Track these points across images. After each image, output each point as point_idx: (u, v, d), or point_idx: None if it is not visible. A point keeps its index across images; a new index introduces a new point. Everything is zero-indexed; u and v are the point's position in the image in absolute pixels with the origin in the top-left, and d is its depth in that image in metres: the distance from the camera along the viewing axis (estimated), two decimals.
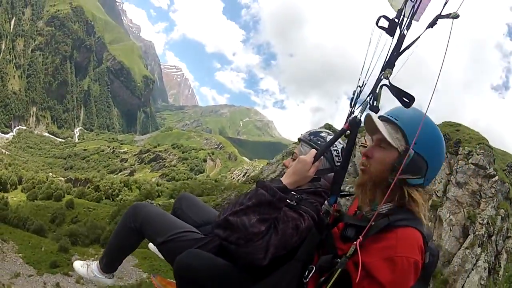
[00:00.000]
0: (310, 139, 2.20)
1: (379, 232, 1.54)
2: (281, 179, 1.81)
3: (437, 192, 23.23)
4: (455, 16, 1.62)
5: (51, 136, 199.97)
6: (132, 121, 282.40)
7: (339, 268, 1.49)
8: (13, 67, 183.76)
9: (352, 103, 2.01)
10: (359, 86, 1.97)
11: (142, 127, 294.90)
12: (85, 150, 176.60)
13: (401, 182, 1.60)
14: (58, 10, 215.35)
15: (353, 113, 1.93)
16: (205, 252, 1.94)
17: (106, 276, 2.60)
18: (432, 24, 1.69)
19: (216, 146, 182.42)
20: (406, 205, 1.61)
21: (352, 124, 1.76)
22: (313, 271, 1.63)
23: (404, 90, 1.65)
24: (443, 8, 1.66)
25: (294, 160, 2.13)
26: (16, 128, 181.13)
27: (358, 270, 1.45)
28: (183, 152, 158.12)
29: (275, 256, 1.68)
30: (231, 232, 1.65)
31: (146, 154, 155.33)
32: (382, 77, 1.70)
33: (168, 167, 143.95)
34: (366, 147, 1.78)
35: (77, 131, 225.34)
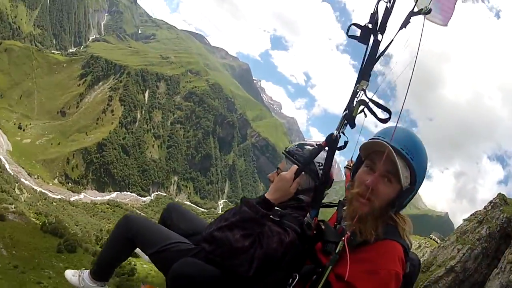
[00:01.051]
0: (293, 153, 2.26)
1: (360, 245, 1.56)
2: (265, 195, 1.89)
3: None
4: (427, 11, 1.61)
5: (192, 205, 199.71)
6: None
7: (329, 266, 1.53)
8: (152, 137, 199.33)
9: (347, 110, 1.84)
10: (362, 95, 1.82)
11: None
12: None
13: (396, 212, 1.68)
14: (196, 87, 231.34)
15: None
16: (198, 261, 1.97)
17: (98, 285, 2.62)
18: (405, 24, 1.67)
19: None
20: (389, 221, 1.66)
21: (329, 142, 1.80)
22: (296, 279, 1.67)
23: (381, 104, 1.66)
24: (415, 4, 1.64)
25: (278, 174, 2.12)
26: (154, 193, 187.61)
27: (339, 282, 1.48)
28: None
29: (260, 268, 1.79)
30: (216, 246, 1.76)
31: None
32: (358, 90, 1.67)
33: None
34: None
35: (221, 203, 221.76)
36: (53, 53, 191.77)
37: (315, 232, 1.77)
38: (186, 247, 2.18)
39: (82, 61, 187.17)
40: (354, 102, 1.72)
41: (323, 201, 1.94)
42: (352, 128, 1.80)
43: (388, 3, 1.65)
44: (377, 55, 1.67)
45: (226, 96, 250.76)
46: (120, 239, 2.42)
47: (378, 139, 1.67)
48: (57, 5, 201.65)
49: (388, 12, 1.66)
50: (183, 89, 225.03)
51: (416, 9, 1.68)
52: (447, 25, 1.79)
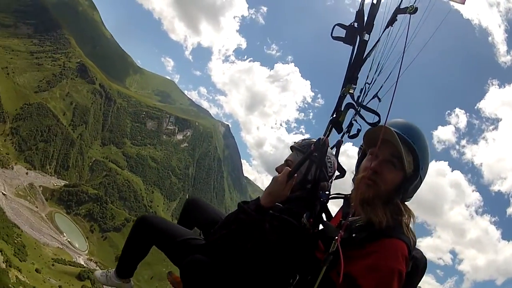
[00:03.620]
0: (303, 145, 2.36)
1: (363, 242, 1.57)
2: (260, 199, 1.96)
3: None
4: (412, 11, 1.57)
5: None
6: None
7: (324, 266, 1.55)
8: None
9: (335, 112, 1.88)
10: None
11: None
12: None
13: (402, 200, 1.69)
14: None
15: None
16: (205, 258, 2.10)
17: (123, 281, 2.91)
18: (391, 21, 1.65)
19: None
20: (398, 220, 1.66)
21: (317, 146, 1.85)
22: (297, 278, 1.77)
23: (370, 107, 1.68)
24: (400, 3, 1.61)
25: (288, 166, 2.26)
26: None
27: (342, 278, 1.49)
28: None
29: (263, 262, 1.93)
30: (221, 251, 2.00)
31: None
32: (344, 94, 1.65)
33: None
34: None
35: None
36: None
37: (313, 231, 1.88)
38: (197, 243, 2.36)
39: None
40: (342, 106, 1.72)
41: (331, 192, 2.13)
42: (339, 133, 1.88)
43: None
44: (364, 55, 1.63)
45: None
46: (137, 239, 2.65)
47: (378, 125, 1.76)
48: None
49: (374, 8, 1.59)
50: None
51: (402, 6, 1.65)
52: (464, 3, 1.75)
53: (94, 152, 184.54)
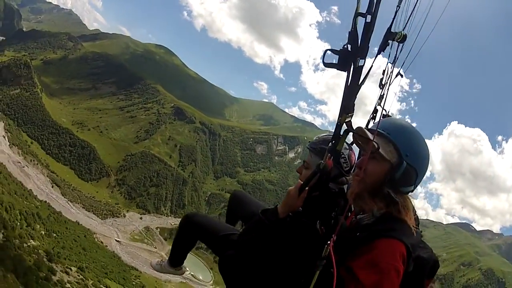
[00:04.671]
0: (320, 148, 2.34)
1: (365, 240, 1.63)
2: (277, 208, 2.04)
3: None
4: (401, 38, 1.54)
5: None
6: None
7: (317, 271, 1.61)
8: None
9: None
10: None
11: None
12: None
13: (395, 191, 1.72)
14: (469, 279, 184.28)
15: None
16: (237, 254, 2.26)
17: (176, 269, 3.33)
18: (383, 48, 1.60)
19: None
20: (394, 212, 1.72)
21: (319, 170, 1.85)
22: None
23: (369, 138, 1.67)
24: (390, 26, 1.53)
25: (305, 168, 2.42)
26: None
27: (348, 274, 1.56)
28: None
29: (283, 262, 2.03)
30: (243, 254, 2.16)
31: None
32: (340, 123, 1.62)
33: None
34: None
35: None
36: None
37: (325, 235, 1.89)
38: (233, 239, 2.41)
39: None
40: (340, 134, 1.68)
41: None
42: (336, 162, 1.90)
43: (368, 17, 1.40)
44: (360, 82, 1.51)
45: (497, 278, 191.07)
46: (184, 233, 2.96)
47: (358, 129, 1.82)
48: None
49: (368, 28, 1.42)
50: (457, 285, 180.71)
51: (392, 29, 1.55)
52: None
53: (208, 187, 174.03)
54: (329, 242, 1.60)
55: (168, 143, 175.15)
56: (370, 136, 1.74)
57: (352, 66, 1.47)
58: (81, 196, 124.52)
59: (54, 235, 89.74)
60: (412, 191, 1.79)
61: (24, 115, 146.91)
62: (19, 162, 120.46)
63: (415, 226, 1.73)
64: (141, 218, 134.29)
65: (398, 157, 1.73)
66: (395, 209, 1.72)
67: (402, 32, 1.60)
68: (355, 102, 1.53)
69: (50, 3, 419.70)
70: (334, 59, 1.49)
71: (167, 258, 3.34)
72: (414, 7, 1.66)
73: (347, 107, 1.54)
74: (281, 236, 2.00)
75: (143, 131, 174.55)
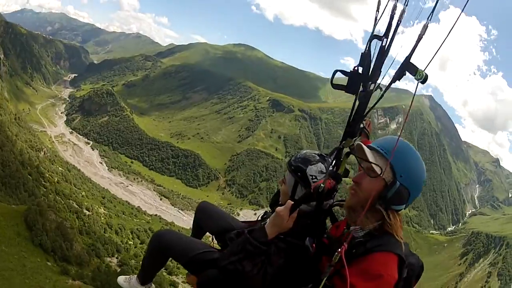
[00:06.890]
0: (295, 167, 2.29)
1: (359, 256, 1.72)
2: (265, 228, 2.00)
3: None
4: (421, 77, 1.43)
5: None
6: None
7: (324, 278, 1.67)
8: None
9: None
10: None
11: None
12: None
13: (386, 208, 1.79)
14: None
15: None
16: (218, 274, 2.21)
17: (145, 287, 3.11)
18: (398, 77, 1.51)
19: None
20: (385, 227, 1.79)
21: (316, 192, 1.89)
22: None
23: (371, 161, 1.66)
24: (410, 56, 1.42)
25: (283, 183, 2.38)
26: None
27: (343, 282, 1.61)
28: None
29: (272, 282, 2.02)
30: (230, 277, 2.05)
31: None
32: (343, 147, 1.63)
33: None
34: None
35: None
36: (432, 233, 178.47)
37: (316, 251, 2.01)
38: (207, 258, 2.44)
39: (462, 239, 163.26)
40: (341, 157, 1.72)
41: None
42: (337, 184, 1.96)
43: (385, 40, 1.34)
44: (365, 111, 1.48)
45: None
46: (153, 253, 2.81)
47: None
48: (428, 185, 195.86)
49: (384, 53, 1.37)
50: None
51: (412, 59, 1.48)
52: None
53: None
54: (339, 249, 1.67)
55: (272, 136, 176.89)
56: (369, 154, 1.77)
57: (361, 90, 1.40)
58: (191, 203, 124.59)
59: None
60: (404, 209, 1.84)
61: (118, 138, 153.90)
62: (122, 183, 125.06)
63: (402, 238, 1.81)
64: (255, 214, 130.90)
65: (393, 176, 1.76)
66: (386, 224, 1.79)
67: (424, 73, 1.46)
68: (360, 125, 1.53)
69: (114, 32, 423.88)
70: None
71: (135, 275, 3.18)
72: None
73: (352, 132, 1.55)
74: (270, 257, 1.99)
75: (244, 129, 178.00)
